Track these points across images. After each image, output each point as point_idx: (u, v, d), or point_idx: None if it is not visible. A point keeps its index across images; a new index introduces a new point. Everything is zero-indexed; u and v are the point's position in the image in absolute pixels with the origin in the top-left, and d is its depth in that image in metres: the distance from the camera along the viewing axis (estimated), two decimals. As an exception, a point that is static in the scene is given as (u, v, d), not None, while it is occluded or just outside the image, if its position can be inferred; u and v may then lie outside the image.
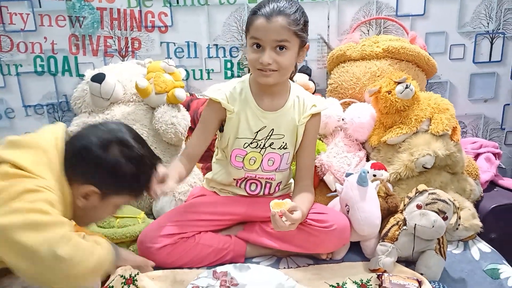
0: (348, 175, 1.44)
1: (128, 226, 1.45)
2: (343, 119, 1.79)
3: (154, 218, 1.61)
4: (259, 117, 1.38)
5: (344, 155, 1.70)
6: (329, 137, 1.79)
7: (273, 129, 1.39)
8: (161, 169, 1.22)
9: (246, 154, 1.40)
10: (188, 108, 1.92)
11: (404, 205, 1.41)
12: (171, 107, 1.77)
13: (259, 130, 1.39)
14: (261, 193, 1.49)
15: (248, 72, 1.43)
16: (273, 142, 1.40)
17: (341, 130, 1.80)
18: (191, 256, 1.36)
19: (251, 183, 1.47)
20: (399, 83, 1.68)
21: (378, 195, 1.44)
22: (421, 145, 1.63)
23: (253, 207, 1.46)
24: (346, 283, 1.32)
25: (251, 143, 1.40)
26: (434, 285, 1.27)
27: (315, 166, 1.64)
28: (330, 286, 1.31)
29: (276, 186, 1.49)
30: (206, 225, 1.42)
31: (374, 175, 1.56)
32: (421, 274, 1.32)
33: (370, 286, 1.30)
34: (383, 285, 1.26)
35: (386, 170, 1.60)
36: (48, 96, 2.06)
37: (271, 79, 1.31)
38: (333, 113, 1.77)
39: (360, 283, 1.32)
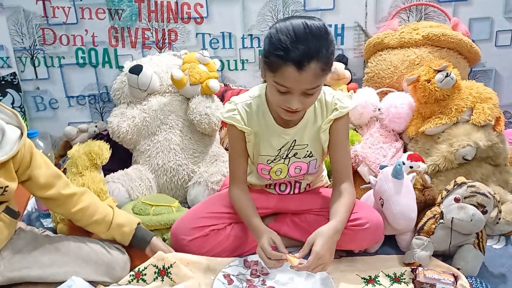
0: (382, 167, 1.41)
1: (162, 214, 1.49)
2: (379, 109, 1.75)
3: (189, 207, 1.64)
4: (280, 135, 1.31)
5: (380, 146, 1.67)
6: (364, 127, 1.76)
7: (295, 140, 1.32)
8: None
9: (271, 168, 1.37)
10: (222, 98, 1.94)
11: (442, 198, 1.36)
12: (205, 97, 1.79)
13: (282, 147, 1.32)
14: (291, 192, 1.47)
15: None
16: (296, 152, 1.33)
17: (377, 120, 1.76)
18: (222, 247, 1.37)
19: (280, 184, 1.46)
20: (439, 71, 1.62)
21: (415, 188, 1.40)
22: (461, 136, 1.56)
23: (284, 201, 1.45)
24: (378, 276, 1.29)
25: (274, 159, 1.34)
26: (471, 280, 1.23)
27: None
28: (362, 278, 1.29)
29: (306, 186, 1.47)
30: (238, 217, 1.43)
31: (411, 167, 1.52)
32: (458, 268, 1.28)
33: (403, 280, 1.28)
34: (417, 279, 1.23)
35: (423, 161, 1.55)
36: (89, 87, 2.14)
37: (297, 117, 1.25)
38: (369, 103, 1.73)
39: (394, 277, 1.29)
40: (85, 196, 1.26)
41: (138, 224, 1.30)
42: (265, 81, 1.25)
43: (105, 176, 1.71)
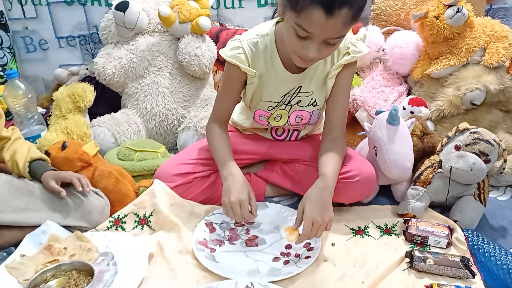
0: (378, 112, 1.29)
1: (146, 160, 1.43)
2: (383, 50, 1.61)
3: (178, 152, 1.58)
4: (286, 80, 1.19)
5: (381, 90, 1.54)
6: (366, 70, 1.63)
7: (300, 86, 1.20)
8: (247, 201, 1.12)
9: (271, 115, 1.27)
10: (217, 39, 1.82)
11: (442, 146, 1.26)
12: (196, 37, 1.67)
13: (287, 93, 1.21)
14: (287, 139, 1.38)
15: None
16: (300, 100, 1.23)
17: (380, 62, 1.62)
18: (206, 195, 1.30)
19: (277, 128, 1.36)
20: (449, 6, 1.46)
21: (414, 134, 1.30)
22: (470, 79, 1.43)
23: (275, 148, 1.37)
24: (368, 227, 1.22)
25: (276, 106, 1.24)
26: (467, 234, 1.14)
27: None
28: (350, 229, 1.22)
29: (304, 135, 1.38)
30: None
31: (412, 112, 1.41)
32: (455, 221, 1.20)
33: (395, 232, 1.20)
34: (409, 231, 1.16)
35: (426, 106, 1.43)
36: (79, 27, 2.03)
37: (310, 65, 1.13)
38: (372, 42, 1.59)
39: (384, 228, 1.22)
40: (14, 143, 1.23)
41: (36, 160, 1.22)
42: (276, 19, 1.14)
43: (92, 120, 1.65)
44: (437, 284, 0.97)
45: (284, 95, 1.22)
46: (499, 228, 1.23)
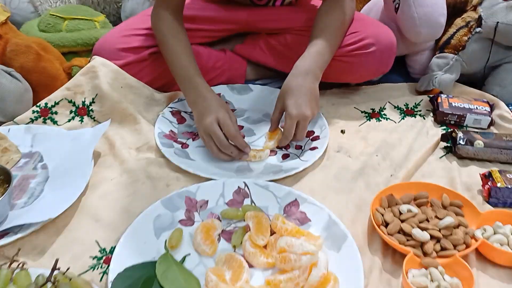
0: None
1: (80, 30, 1.06)
2: None
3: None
4: None
5: None
6: None
7: None
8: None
9: None
10: None
11: (481, -2, 0.96)
12: None
13: None
14: (270, 4, 1.03)
15: None
16: None
17: None
18: (169, 78, 0.94)
19: None
20: None
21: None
22: None
23: (258, 14, 1.01)
24: (384, 109, 0.95)
25: None
26: (512, 109, 0.90)
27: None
28: (362, 112, 0.94)
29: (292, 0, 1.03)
30: (191, 35, 0.97)
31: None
32: (493, 95, 0.94)
33: (419, 112, 0.94)
34: (440, 109, 0.89)
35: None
36: None
37: None
38: None
39: (405, 109, 0.95)
40: None
41: None
42: None
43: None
44: (498, 170, 0.72)
45: None
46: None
